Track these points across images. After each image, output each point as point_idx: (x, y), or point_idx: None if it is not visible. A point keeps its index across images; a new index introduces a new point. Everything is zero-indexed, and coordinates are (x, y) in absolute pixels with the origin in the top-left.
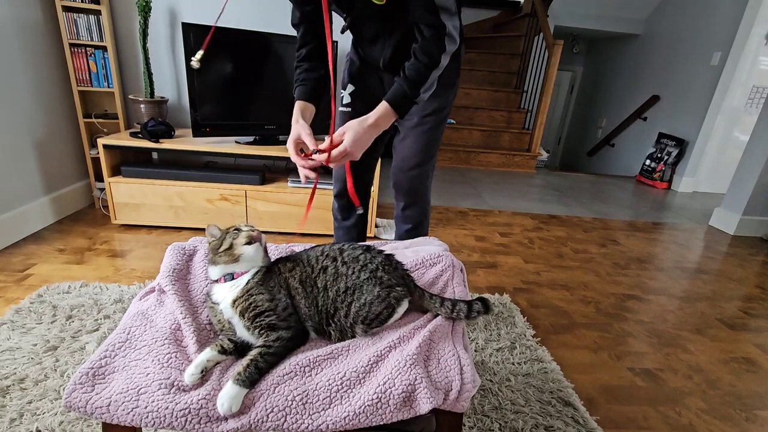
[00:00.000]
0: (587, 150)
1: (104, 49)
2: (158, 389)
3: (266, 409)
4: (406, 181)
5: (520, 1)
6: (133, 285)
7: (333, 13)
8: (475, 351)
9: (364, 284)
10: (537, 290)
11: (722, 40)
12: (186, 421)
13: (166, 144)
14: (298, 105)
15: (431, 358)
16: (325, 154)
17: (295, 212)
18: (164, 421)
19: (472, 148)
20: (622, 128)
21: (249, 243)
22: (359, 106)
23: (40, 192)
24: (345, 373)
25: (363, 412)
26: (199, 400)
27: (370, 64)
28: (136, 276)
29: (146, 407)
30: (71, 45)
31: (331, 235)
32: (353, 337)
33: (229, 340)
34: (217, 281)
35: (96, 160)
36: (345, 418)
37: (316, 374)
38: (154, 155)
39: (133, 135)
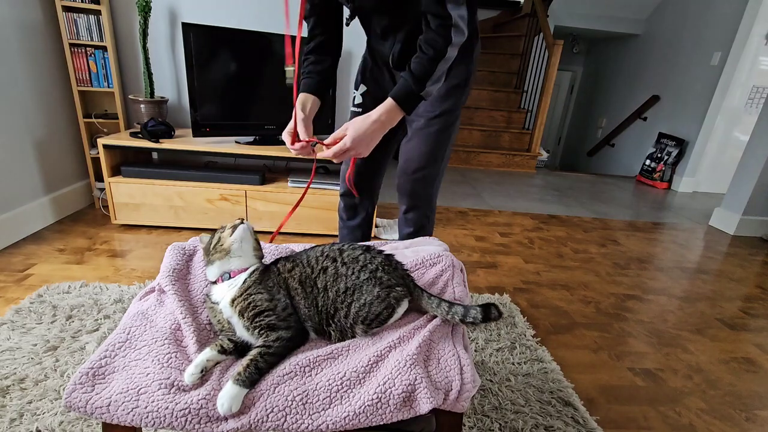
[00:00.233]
0: (587, 150)
1: (104, 49)
2: (158, 389)
3: (266, 409)
4: (408, 184)
5: (520, 1)
6: (133, 285)
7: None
8: (475, 351)
9: (364, 284)
10: (537, 290)
11: (722, 40)
12: (186, 421)
13: (166, 144)
14: (300, 97)
15: (431, 358)
16: (331, 151)
17: (295, 212)
18: (164, 421)
19: (472, 148)
20: (622, 128)
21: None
22: (371, 107)
23: (40, 192)
24: (345, 373)
25: (363, 412)
26: (199, 400)
27: (381, 63)
28: (136, 276)
29: (146, 407)
30: (71, 45)
31: (331, 235)
32: (353, 337)
33: (229, 340)
34: (215, 283)
35: (96, 160)
36: (345, 418)
37: (316, 374)
38: (154, 155)
39: (133, 135)
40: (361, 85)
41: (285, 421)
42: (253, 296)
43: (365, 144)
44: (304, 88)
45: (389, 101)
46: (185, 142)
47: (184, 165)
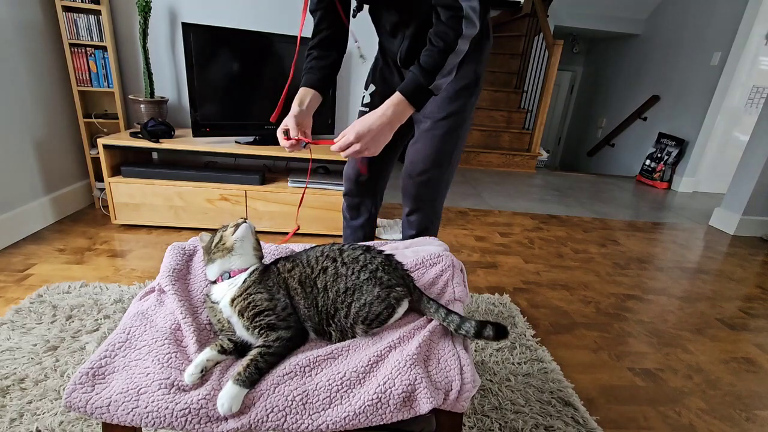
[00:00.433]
0: (587, 150)
1: (104, 49)
2: (158, 389)
3: (266, 409)
4: (412, 187)
5: (520, 1)
6: (133, 285)
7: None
8: (475, 351)
9: (364, 285)
10: (537, 290)
11: (722, 40)
12: (186, 421)
13: (166, 144)
14: (300, 92)
15: (431, 358)
16: (336, 145)
17: (294, 212)
18: (164, 421)
19: (472, 148)
20: (622, 128)
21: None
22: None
23: (40, 192)
24: (345, 373)
25: (363, 412)
26: (199, 400)
27: (391, 62)
28: (136, 276)
29: (146, 407)
30: (71, 45)
31: (332, 235)
32: (353, 337)
33: (229, 339)
34: (215, 282)
35: (96, 160)
36: (345, 418)
37: (316, 374)
38: (154, 155)
39: (133, 135)
40: (371, 84)
41: (285, 421)
42: (252, 296)
43: (371, 139)
44: (305, 82)
45: (396, 95)
46: (185, 142)
47: (184, 165)
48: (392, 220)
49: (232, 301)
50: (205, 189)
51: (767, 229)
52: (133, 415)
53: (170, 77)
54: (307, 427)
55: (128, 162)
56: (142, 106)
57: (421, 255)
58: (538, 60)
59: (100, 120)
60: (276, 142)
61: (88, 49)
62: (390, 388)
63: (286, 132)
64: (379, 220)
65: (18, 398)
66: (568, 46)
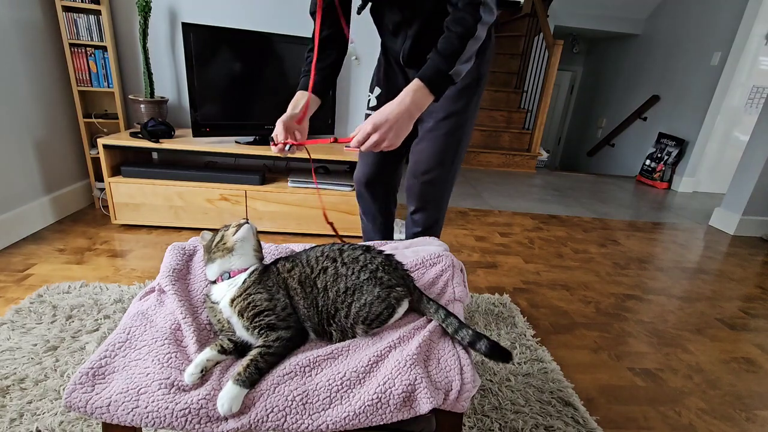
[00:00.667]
0: (587, 150)
1: (104, 49)
2: (158, 389)
3: (266, 409)
4: (416, 187)
5: (520, 1)
6: (133, 285)
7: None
8: None
9: (364, 285)
10: (537, 290)
11: (722, 40)
12: (186, 421)
13: (166, 144)
14: (296, 95)
15: (431, 358)
16: (354, 140)
17: (295, 212)
18: (164, 421)
19: (472, 148)
20: (622, 128)
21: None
22: None
23: (40, 192)
24: (345, 373)
25: (363, 412)
26: (199, 400)
27: (394, 62)
28: (136, 276)
29: (146, 407)
30: (71, 45)
31: (332, 235)
32: (354, 337)
33: (229, 340)
34: (214, 282)
35: (96, 160)
36: (345, 418)
37: (316, 374)
38: (154, 155)
39: (133, 135)
40: (376, 87)
41: (285, 421)
42: (252, 296)
43: (389, 128)
44: (302, 86)
45: (414, 82)
46: (185, 142)
47: (184, 165)
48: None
49: (232, 301)
50: (205, 189)
51: (767, 229)
52: (133, 415)
53: (170, 77)
54: (307, 427)
55: (128, 162)
56: (142, 106)
57: (421, 255)
58: (538, 60)
59: (100, 120)
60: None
61: (88, 49)
62: (390, 388)
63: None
64: None
65: (18, 398)
66: (568, 46)
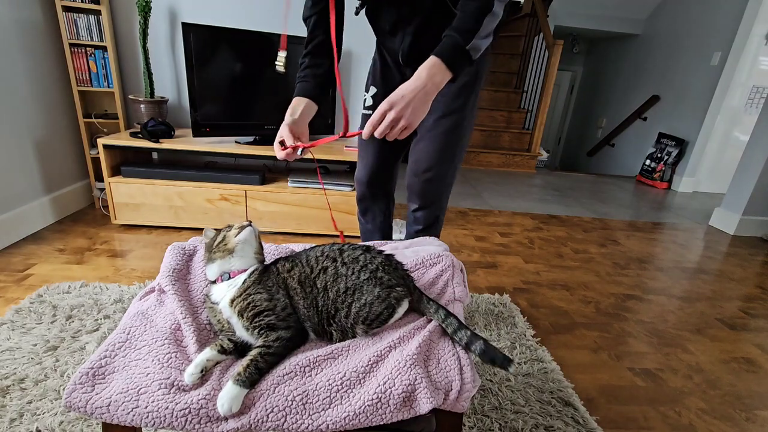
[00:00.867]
0: (587, 150)
1: (104, 49)
2: (158, 389)
3: (266, 409)
4: (417, 185)
5: (520, 1)
6: (133, 285)
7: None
8: None
9: (365, 285)
10: (537, 290)
11: (722, 40)
12: (186, 421)
13: (166, 144)
14: (293, 102)
15: (431, 358)
16: (369, 124)
17: (295, 212)
18: (164, 421)
19: (472, 148)
20: (622, 128)
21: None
22: None
23: (40, 192)
24: (345, 373)
25: (363, 412)
26: (199, 400)
27: (391, 62)
28: (136, 276)
29: (146, 407)
30: (71, 45)
31: (332, 235)
32: (354, 337)
33: (229, 340)
34: (214, 282)
35: (96, 160)
36: (345, 418)
37: (316, 374)
38: (154, 155)
39: (133, 135)
40: (372, 87)
41: (285, 421)
42: (252, 296)
43: (406, 105)
44: (298, 91)
45: (430, 59)
46: (185, 142)
47: (184, 165)
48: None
49: (232, 301)
50: (205, 189)
51: (767, 229)
52: (133, 415)
53: (170, 77)
54: (307, 427)
55: (128, 162)
56: (142, 106)
57: (421, 255)
58: (538, 60)
59: (100, 120)
60: None
61: (88, 49)
62: (390, 388)
63: (283, 143)
64: None
65: (18, 398)
66: (568, 46)
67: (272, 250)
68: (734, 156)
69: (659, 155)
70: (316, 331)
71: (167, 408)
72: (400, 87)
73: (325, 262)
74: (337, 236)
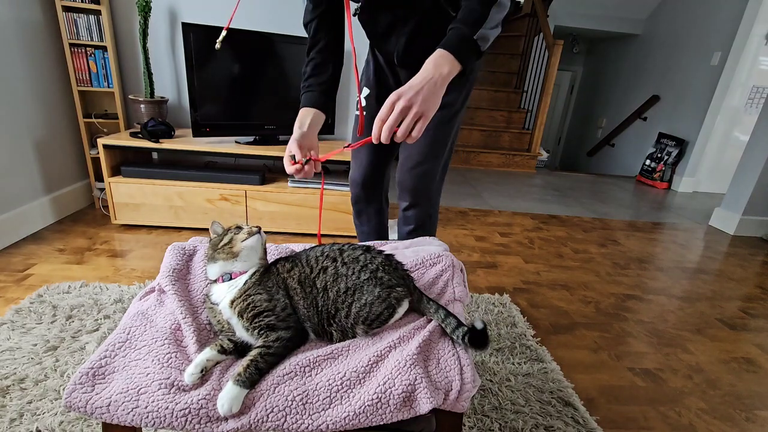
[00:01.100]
0: (587, 150)
1: (104, 49)
2: (158, 389)
3: (266, 409)
4: (408, 180)
5: (520, 1)
6: (133, 285)
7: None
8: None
9: (365, 285)
10: (537, 290)
11: (722, 40)
12: (186, 421)
13: (166, 144)
14: (300, 114)
15: (431, 358)
16: (378, 118)
17: (295, 212)
18: (164, 421)
19: (472, 148)
20: (622, 128)
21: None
22: (375, 110)
23: (40, 192)
24: (345, 373)
25: (363, 412)
26: (199, 400)
27: (385, 63)
28: (136, 276)
29: (146, 407)
30: (71, 45)
31: (331, 235)
32: (354, 337)
33: (229, 340)
34: (215, 282)
35: (96, 160)
36: (345, 418)
37: (316, 374)
38: (154, 155)
39: (133, 135)
40: (365, 88)
41: (285, 421)
42: (252, 297)
43: (417, 93)
44: (304, 102)
45: (437, 51)
46: (185, 142)
47: (184, 165)
48: (392, 220)
49: (232, 302)
50: (205, 189)
51: (767, 229)
52: (133, 415)
53: (170, 77)
54: (307, 427)
55: (128, 162)
56: (142, 106)
57: (421, 255)
58: (538, 60)
59: (100, 120)
60: (276, 142)
61: (88, 49)
62: (390, 388)
63: (293, 157)
64: None
65: (18, 398)
66: (568, 46)
67: (272, 250)
68: (734, 156)
69: (659, 155)
70: (316, 332)
71: (167, 408)
72: (407, 83)
73: (325, 262)
74: (337, 236)
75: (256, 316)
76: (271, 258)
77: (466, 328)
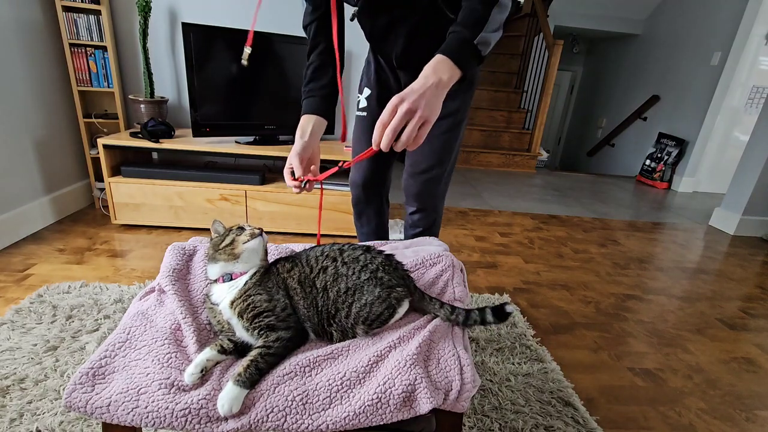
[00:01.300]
0: (587, 150)
1: (104, 49)
2: (158, 389)
3: (266, 410)
4: (415, 186)
5: (520, 1)
6: (133, 285)
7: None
8: (475, 351)
9: (365, 285)
10: (537, 290)
11: (722, 40)
12: (186, 421)
13: (166, 144)
14: (301, 122)
15: (431, 358)
16: (379, 122)
17: (295, 212)
18: (164, 421)
19: (472, 148)
20: (622, 128)
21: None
22: (376, 110)
23: (40, 192)
24: (345, 373)
25: (363, 412)
26: (199, 400)
27: (385, 64)
28: (136, 276)
29: (146, 407)
30: (71, 45)
31: (331, 235)
32: (354, 337)
33: (229, 340)
34: (215, 281)
35: (96, 160)
36: (345, 418)
37: (316, 374)
38: (154, 155)
39: (133, 135)
40: (366, 88)
41: (285, 421)
42: (252, 297)
43: (420, 96)
44: (305, 109)
45: (436, 57)
46: (185, 142)
47: (184, 165)
48: (392, 220)
49: (232, 303)
50: (205, 189)
51: (767, 229)
52: (133, 415)
53: (170, 77)
54: (307, 427)
55: (128, 162)
56: (142, 106)
57: (421, 255)
58: (538, 60)
59: (100, 120)
60: (275, 142)
61: (88, 49)
62: (390, 388)
63: (294, 171)
64: None
65: (18, 398)
66: (568, 46)
67: (272, 250)
68: (734, 156)
69: (659, 155)
70: (316, 332)
71: (167, 408)
72: (411, 85)
73: (325, 262)
74: (338, 236)
75: (257, 317)
76: (271, 258)
77: (477, 311)
